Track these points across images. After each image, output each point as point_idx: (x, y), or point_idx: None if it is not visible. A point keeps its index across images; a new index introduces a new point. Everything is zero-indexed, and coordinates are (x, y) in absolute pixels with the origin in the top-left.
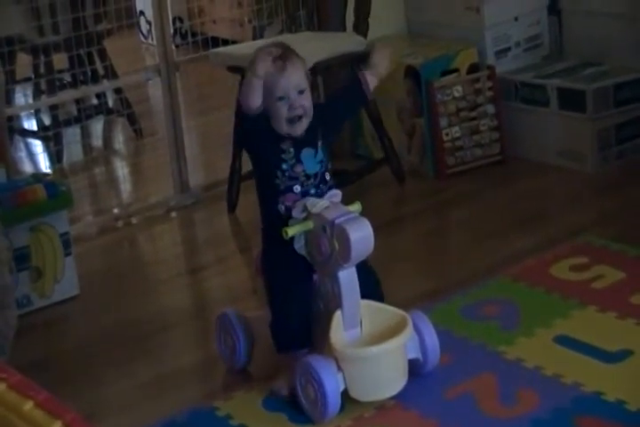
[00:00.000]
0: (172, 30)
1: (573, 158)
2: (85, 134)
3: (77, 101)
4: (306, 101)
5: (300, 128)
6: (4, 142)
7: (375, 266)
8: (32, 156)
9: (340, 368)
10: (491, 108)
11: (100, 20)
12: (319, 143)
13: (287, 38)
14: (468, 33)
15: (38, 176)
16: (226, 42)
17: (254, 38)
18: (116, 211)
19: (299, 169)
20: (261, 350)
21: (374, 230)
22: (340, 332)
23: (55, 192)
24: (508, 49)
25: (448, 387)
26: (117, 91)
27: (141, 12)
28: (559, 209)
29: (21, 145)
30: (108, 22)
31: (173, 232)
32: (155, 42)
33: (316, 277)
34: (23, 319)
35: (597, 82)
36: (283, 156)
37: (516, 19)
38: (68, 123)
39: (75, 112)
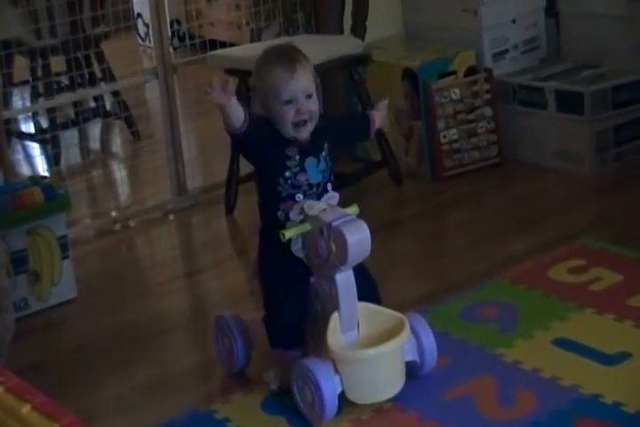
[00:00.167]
0: (169, 33)
1: (571, 160)
2: (83, 137)
3: (75, 104)
4: (312, 106)
5: (306, 132)
6: (1, 145)
7: (373, 268)
8: (29, 158)
9: (337, 371)
10: (488, 111)
11: (97, 22)
12: (323, 153)
13: (285, 41)
14: (466, 35)
15: (36, 179)
16: (223, 44)
17: (252, 41)
18: (113, 214)
19: (302, 178)
20: (259, 353)
21: (371, 233)
22: (337, 334)
23: (53, 195)
24: (506, 51)
25: (446, 389)
26: (115, 93)
27: (139, 15)
28: (557, 211)
29: (19, 148)
30: (105, 25)
31: (171, 235)
32: (152, 44)
33: (313, 279)
34: (21, 322)
35: (595, 84)
36: (287, 162)
37: (513, 21)
38: (65, 126)
39: (72, 115)
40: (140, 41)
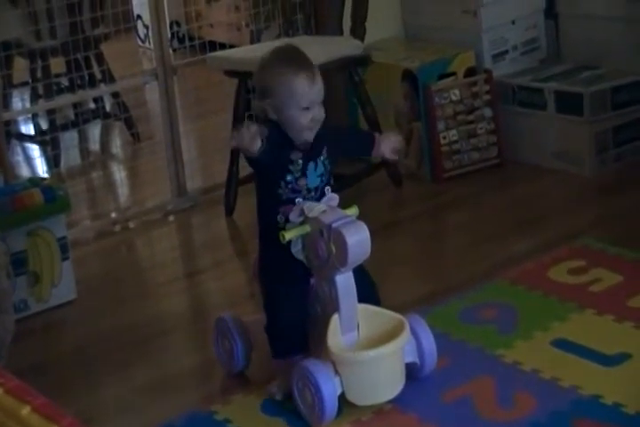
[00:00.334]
0: (169, 34)
1: (571, 161)
2: (83, 138)
3: (75, 106)
4: (323, 112)
5: (313, 134)
6: (1, 147)
7: (372, 270)
8: (29, 160)
9: (337, 372)
10: (488, 112)
11: (97, 24)
12: (321, 157)
13: (285, 42)
14: (465, 36)
15: (35, 180)
16: (223, 46)
17: (252, 42)
18: (113, 215)
19: (302, 182)
20: (259, 354)
21: (371, 234)
22: (337, 336)
23: (52, 196)
24: (506, 52)
25: (446, 390)
26: (115, 95)
27: (139, 16)
28: (557, 212)
29: (19, 149)
30: (105, 26)
31: (171, 236)
32: (152, 46)
33: (313, 280)
34: (21, 324)
35: (594, 85)
36: (290, 167)
37: (513, 22)
38: (65, 127)
39: (72, 116)
40: (139, 42)
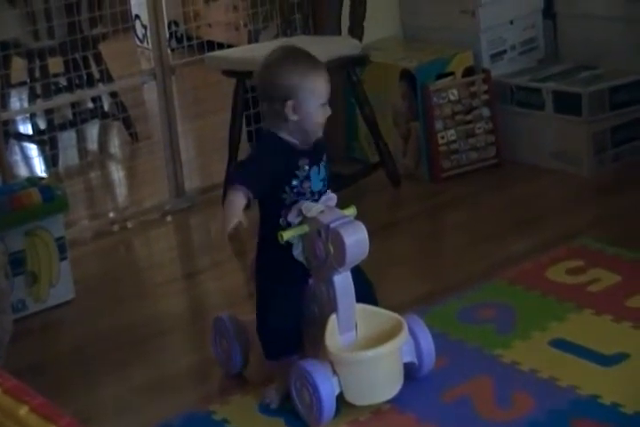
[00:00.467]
0: (167, 34)
1: (569, 161)
2: (81, 138)
3: (73, 105)
4: (329, 109)
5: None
6: None
7: (371, 270)
8: (27, 160)
9: (335, 372)
10: (486, 112)
11: (95, 24)
12: (322, 162)
13: (283, 42)
14: (464, 36)
15: (34, 180)
16: (221, 46)
17: (250, 42)
18: (111, 215)
19: (306, 185)
20: (257, 355)
21: (369, 234)
22: (335, 336)
23: (50, 196)
24: (504, 52)
25: (444, 390)
26: (113, 95)
27: (137, 16)
28: (555, 212)
29: (17, 149)
30: (103, 26)
31: (169, 236)
32: (150, 46)
33: (310, 281)
34: (18, 324)
35: (593, 85)
36: (297, 172)
37: (511, 22)
38: (63, 127)
39: (70, 116)
40: (137, 42)
